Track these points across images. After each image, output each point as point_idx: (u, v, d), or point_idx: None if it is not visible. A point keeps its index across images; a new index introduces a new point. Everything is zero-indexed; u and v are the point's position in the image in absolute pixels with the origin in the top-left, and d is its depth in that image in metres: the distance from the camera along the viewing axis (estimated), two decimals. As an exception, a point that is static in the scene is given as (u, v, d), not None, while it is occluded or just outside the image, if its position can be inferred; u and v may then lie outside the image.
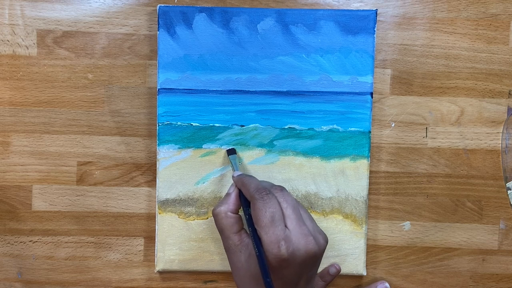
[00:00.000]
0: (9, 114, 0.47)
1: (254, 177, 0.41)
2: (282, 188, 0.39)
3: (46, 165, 0.47)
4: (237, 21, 0.45)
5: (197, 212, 0.46)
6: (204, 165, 0.46)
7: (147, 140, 0.47)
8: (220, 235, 0.40)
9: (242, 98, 0.46)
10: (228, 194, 0.41)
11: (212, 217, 0.45)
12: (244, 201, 0.40)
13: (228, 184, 0.46)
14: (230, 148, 0.45)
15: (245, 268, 0.38)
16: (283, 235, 0.36)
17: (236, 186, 0.41)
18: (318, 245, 0.37)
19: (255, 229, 0.37)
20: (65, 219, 0.48)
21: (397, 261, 0.48)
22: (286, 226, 0.37)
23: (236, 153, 0.45)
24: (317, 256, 0.37)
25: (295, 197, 0.46)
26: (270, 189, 0.38)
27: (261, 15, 0.45)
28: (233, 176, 0.42)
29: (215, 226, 0.40)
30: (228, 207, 0.40)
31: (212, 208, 0.46)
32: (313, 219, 0.39)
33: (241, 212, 0.41)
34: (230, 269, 0.46)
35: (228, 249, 0.40)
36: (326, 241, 0.39)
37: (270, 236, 0.36)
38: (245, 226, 0.40)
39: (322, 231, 0.39)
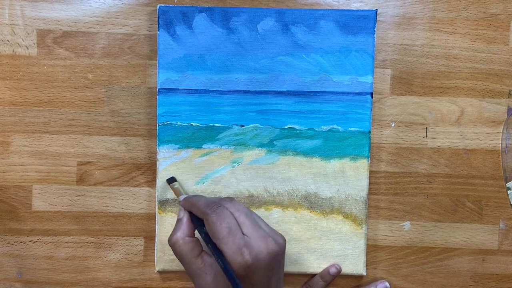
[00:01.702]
0: (9, 114, 0.47)
1: (200, 195, 0.42)
2: (231, 199, 0.40)
3: (46, 165, 0.47)
4: (237, 21, 0.45)
5: (197, 212, 0.46)
6: (204, 165, 0.46)
7: (147, 140, 0.47)
8: (181, 262, 0.40)
9: (242, 98, 0.46)
10: (179, 220, 0.41)
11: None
12: (197, 221, 0.40)
13: (227, 184, 0.46)
14: (169, 177, 0.45)
15: None
16: (243, 242, 0.36)
17: (185, 209, 0.41)
18: (278, 245, 0.38)
19: (214, 244, 0.37)
20: (65, 219, 0.48)
21: (397, 261, 0.48)
22: (243, 233, 0.37)
23: (176, 180, 0.45)
24: (279, 256, 0.38)
25: (295, 198, 0.46)
26: (220, 202, 0.39)
27: (261, 15, 0.45)
28: (179, 201, 0.43)
29: (175, 256, 0.40)
30: (183, 232, 0.40)
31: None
32: (266, 223, 0.40)
33: (197, 235, 0.41)
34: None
35: (193, 275, 0.39)
36: (285, 241, 0.39)
37: (231, 246, 0.36)
38: (204, 248, 0.40)
39: (279, 233, 0.40)
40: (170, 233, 0.46)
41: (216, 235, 0.37)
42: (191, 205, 0.41)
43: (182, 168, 0.46)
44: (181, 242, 0.39)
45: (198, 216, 0.40)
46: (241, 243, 0.36)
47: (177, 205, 0.46)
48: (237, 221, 0.37)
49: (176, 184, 0.45)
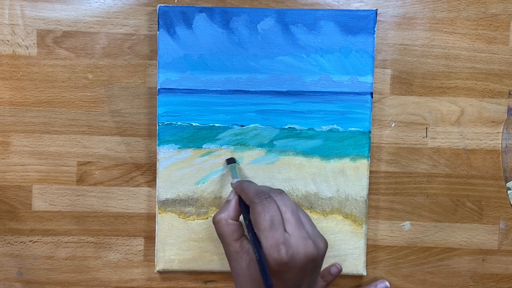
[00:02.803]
0: (9, 114, 0.47)
1: (253, 182, 0.42)
2: (281, 192, 0.39)
3: (46, 165, 0.47)
4: (237, 21, 0.45)
5: (197, 212, 0.46)
6: (204, 165, 0.46)
7: (147, 140, 0.47)
8: (221, 242, 0.40)
9: (242, 98, 0.46)
10: (228, 201, 0.41)
11: (212, 216, 0.46)
12: (244, 207, 0.40)
13: (228, 184, 0.46)
14: (230, 157, 0.45)
15: (246, 274, 0.38)
16: (283, 239, 0.36)
17: (235, 192, 0.41)
18: (318, 249, 0.37)
19: (255, 233, 0.37)
20: (65, 219, 0.48)
21: (397, 261, 0.48)
22: (285, 230, 0.37)
23: (235, 162, 0.45)
24: (317, 260, 0.37)
25: (295, 198, 0.46)
26: (269, 193, 0.38)
27: (261, 15, 0.45)
28: (231, 183, 0.43)
29: (216, 233, 0.40)
30: (228, 214, 0.40)
31: (212, 210, 0.46)
32: (312, 223, 0.39)
33: (241, 219, 0.41)
34: (229, 269, 0.46)
35: (229, 256, 0.40)
36: (326, 246, 0.39)
37: (270, 240, 0.36)
38: (246, 233, 0.40)
39: (322, 236, 0.39)
40: (170, 233, 0.46)
41: (258, 226, 0.37)
42: (241, 189, 0.40)
43: (182, 168, 0.46)
44: (224, 222, 0.39)
45: (246, 202, 0.40)
46: (280, 239, 0.36)
47: (177, 205, 0.46)
48: (281, 216, 0.37)
49: (233, 166, 0.44)
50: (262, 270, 0.36)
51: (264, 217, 0.36)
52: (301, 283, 0.38)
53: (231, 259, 0.39)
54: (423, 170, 0.47)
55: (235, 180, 0.43)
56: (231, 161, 0.45)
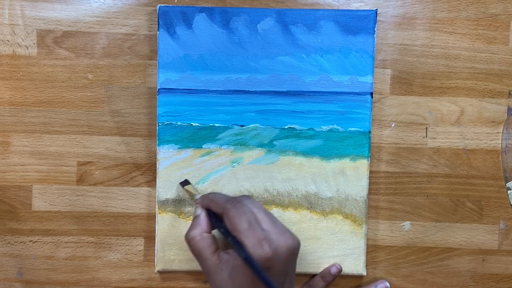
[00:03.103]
0: (9, 114, 0.47)
1: (218, 192, 0.43)
2: (248, 196, 0.41)
3: (46, 165, 0.47)
4: (237, 21, 0.45)
5: (197, 212, 0.46)
6: (204, 165, 0.46)
7: (147, 140, 0.47)
8: (197, 259, 0.40)
9: (242, 98, 0.46)
10: (196, 217, 0.41)
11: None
12: (214, 218, 0.41)
13: (227, 184, 0.46)
14: (183, 180, 0.45)
15: (229, 284, 0.39)
16: (263, 235, 0.37)
17: (202, 206, 0.42)
18: (296, 240, 0.39)
19: (234, 237, 0.38)
20: (65, 219, 0.48)
21: (397, 261, 0.48)
22: (262, 228, 0.38)
23: (190, 183, 0.45)
24: (296, 251, 0.39)
25: (295, 198, 0.46)
26: (239, 199, 0.40)
27: (261, 15, 0.45)
28: (195, 199, 0.43)
29: (192, 253, 0.40)
30: (201, 228, 0.40)
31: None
32: (282, 223, 0.40)
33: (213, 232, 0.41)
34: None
35: (209, 271, 0.40)
36: (299, 241, 0.40)
37: (252, 238, 0.37)
38: (220, 244, 0.41)
39: (293, 233, 0.40)
40: (170, 233, 0.46)
41: (236, 228, 0.37)
42: (210, 201, 0.41)
43: (182, 168, 0.46)
44: (199, 238, 0.40)
45: (217, 212, 0.40)
46: (261, 236, 0.37)
47: (177, 205, 0.46)
48: (255, 217, 0.38)
49: (190, 187, 0.45)
50: (252, 267, 0.36)
51: (241, 218, 0.38)
52: (285, 278, 0.38)
53: (210, 273, 0.39)
54: (423, 170, 0.47)
55: (198, 196, 0.43)
56: (185, 183, 0.45)
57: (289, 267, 0.39)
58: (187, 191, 0.45)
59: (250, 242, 0.37)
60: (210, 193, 0.43)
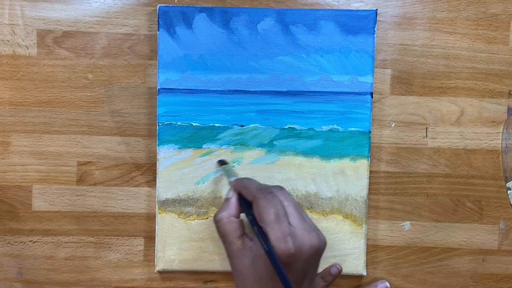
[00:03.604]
0: (9, 114, 0.47)
1: (252, 179, 0.42)
2: (281, 188, 0.40)
3: (46, 165, 0.47)
4: (237, 21, 0.45)
5: (197, 212, 0.46)
6: (204, 165, 0.46)
7: (147, 140, 0.47)
8: (222, 241, 0.40)
9: (242, 98, 0.46)
10: (227, 199, 0.41)
11: (212, 216, 0.46)
12: (245, 204, 0.40)
13: (227, 185, 0.46)
14: (220, 159, 0.45)
15: (250, 272, 0.38)
16: (289, 231, 0.36)
17: (234, 190, 0.41)
18: (321, 241, 0.38)
19: (261, 227, 0.37)
20: (65, 219, 0.48)
21: (397, 261, 0.48)
22: (289, 223, 0.37)
23: (227, 163, 0.45)
24: (320, 251, 0.38)
25: (295, 198, 0.46)
26: (271, 189, 0.39)
27: (261, 15, 0.45)
28: (230, 182, 0.42)
29: (216, 232, 0.40)
30: (230, 212, 0.40)
31: (212, 210, 0.46)
32: (311, 220, 0.40)
33: (242, 217, 0.41)
34: (229, 269, 0.46)
35: (231, 255, 0.40)
36: (326, 240, 0.39)
37: (277, 232, 0.36)
38: (246, 230, 0.40)
39: (322, 233, 0.39)
40: (170, 233, 0.46)
41: (263, 219, 0.37)
42: (242, 186, 0.41)
43: (182, 168, 0.46)
44: (226, 221, 0.40)
45: (247, 199, 0.40)
46: (286, 231, 0.36)
47: (177, 205, 0.46)
48: (285, 210, 0.38)
49: (227, 167, 0.45)
50: (272, 261, 0.36)
51: (269, 210, 0.37)
52: (305, 277, 0.38)
53: (233, 257, 0.39)
54: (423, 170, 0.47)
55: (233, 179, 0.43)
56: (223, 162, 0.45)
57: (310, 267, 0.38)
58: (224, 170, 0.45)
59: (275, 235, 0.36)
60: (245, 178, 0.42)
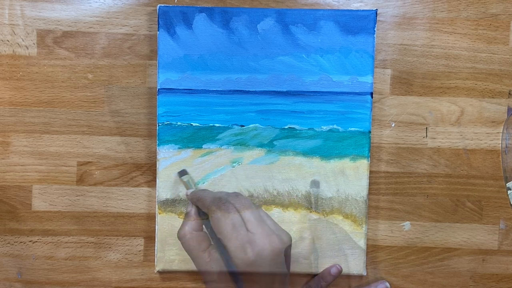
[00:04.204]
0: (9, 114, 0.47)
1: (207, 190, 0.42)
2: (237, 194, 0.40)
3: (46, 165, 0.47)
4: (237, 21, 0.45)
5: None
6: (204, 165, 0.46)
7: (147, 140, 0.47)
8: (190, 256, 0.41)
9: (242, 98, 0.46)
10: (187, 213, 0.42)
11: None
12: (204, 215, 0.41)
13: (227, 185, 0.46)
14: (181, 170, 0.45)
15: (218, 282, 0.39)
16: (247, 239, 0.37)
17: (192, 203, 0.42)
18: (282, 242, 0.38)
19: (219, 239, 0.38)
20: (65, 219, 0.48)
21: (397, 261, 0.48)
22: (247, 229, 0.37)
23: (187, 173, 0.45)
24: (282, 253, 0.38)
25: (294, 198, 0.46)
26: (226, 198, 0.39)
27: (261, 15, 0.45)
28: (187, 194, 0.43)
29: (184, 249, 0.41)
30: (191, 226, 0.41)
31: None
32: (272, 219, 0.40)
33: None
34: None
35: (200, 268, 0.40)
36: (290, 239, 0.39)
37: (234, 242, 0.37)
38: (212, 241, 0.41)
39: (284, 230, 0.40)
40: (170, 233, 0.46)
41: (220, 231, 0.37)
42: (197, 199, 0.41)
43: (182, 168, 0.46)
44: (189, 236, 0.40)
45: (204, 211, 0.40)
46: (244, 240, 0.36)
47: (177, 205, 0.46)
48: (242, 217, 0.38)
49: (186, 177, 0.45)
50: (230, 273, 0.36)
51: (225, 221, 0.37)
52: (274, 278, 0.38)
53: (201, 270, 0.40)
54: (423, 170, 0.47)
55: (189, 191, 0.43)
56: (182, 173, 0.45)
57: (276, 268, 0.38)
58: (182, 182, 0.45)
59: (233, 245, 0.36)
60: (199, 190, 0.43)
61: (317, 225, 0.46)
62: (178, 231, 0.41)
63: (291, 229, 0.46)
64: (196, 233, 0.40)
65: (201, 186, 0.46)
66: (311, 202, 0.45)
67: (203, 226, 0.41)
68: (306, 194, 0.46)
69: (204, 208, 0.40)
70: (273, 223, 0.39)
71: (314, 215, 0.46)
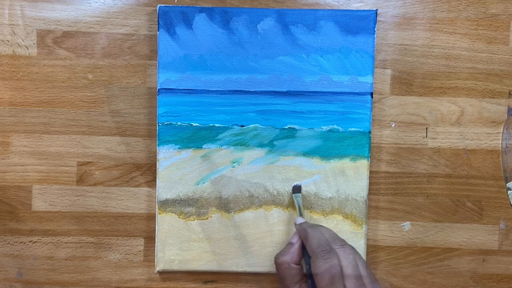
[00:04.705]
0: (9, 114, 0.47)
1: (316, 227, 0.42)
2: (343, 244, 0.40)
3: (46, 165, 0.47)
4: (237, 21, 0.45)
5: (197, 212, 0.46)
6: (204, 165, 0.46)
7: (147, 140, 0.47)
8: (280, 282, 0.41)
9: (242, 98, 0.46)
10: (291, 244, 0.42)
11: (212, 217, 0.46)
12: (306, 252, 0.41)
13: (227, 184, 0.46)
14: (297, 184, 0.46)
15: None
16: None
17: (299, 236, 0.42)
18: None
19: (314, 283, 0.38)
20: (65, 220, 0.48)
21: (397, 261, 0.48)
22: (344, 285, 0.37)
23: (300, 191, 0.45)
24: None
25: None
26: (331, 246, 0.39)
27: (261, 15, 0.45)
28: (295, 224, 0.43)
29: (277, 273, 0.42)
30: (291, 258, 0.41)
31: (212, 210, 0.46)
32: (370, 271, 0.40)
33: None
34: (229, 270, 0.46)
35: None
36: None
37: None
38: (305, 271, 0.42)
39: (378, 284, 0.40)
40: (170, 233, 0.46)
41: (318, 280, 0.38)
42: (304, 236, 0.41)
43: (182, 168, 0.46)
44: (286, 266, 0.41)
45: (308, 252, 0.40)
46: None
47: (177, 205, 0.46)
48: (342, 273, 0.38)
49: (299, 197, 0.45)
50: None
51: (324, 274, 0.37)
52: None
53: None
54: (423, 170, 0.47)
55: (298, 221, 0.43)
56: (297, 189, 0.45)
57: None
58: (294, 201, 0.45)
59: None
60: (308, 227, 0.42)
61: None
62: (279, 256, 0.41)
63: (291, 229, 0.46)
64: (293, 266, 0.41)
65: (201, 186, 0.46)
66: (296, 209, 0.45)
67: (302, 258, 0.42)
68: (306, 194, 0.46)
69: (308, 249, 0.40)
70: (370, 276, 0.39)
71: (314, 215, 0.46)
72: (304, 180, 0.46)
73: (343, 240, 0.40)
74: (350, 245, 0.40)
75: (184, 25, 0.45)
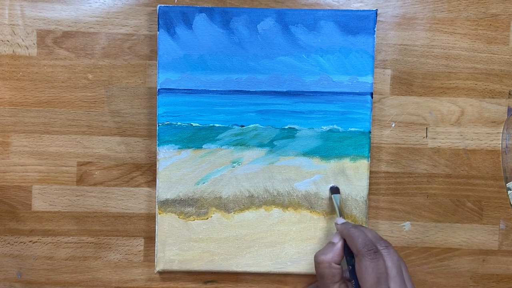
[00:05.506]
0: (9, 114, 0.47)
1: (359, 227, 0.42)
2: (387, 245, 0.40)
3: (46, 165, 0.47)
4: (237, 21, 0.45)
5: (197, 212, 0.46)
6: (204, 165, 0.46)
7: (147, 140, 0.47)
8: (319, 280, 0.41)
9: (242, 98, 0.46)
10: (332, 243, 0.42)
11: (212, 217, 0.46)
12: (348, 252, 0.41)
13: (227, 184, 0.46)
14: (335, 186, 0.46)
15: None
16: None
17: (340, 236, 0.42)
18: None
19: (358, 284, 0.38)
20: (65, 220, 0.48)
21: (397, 261, 0.48)
22: (389, 287, 0.37)
23: (339, 192, 0.45)
24: None
25: (295, 198, 0.46)
26: (376, 246, 0.39)
27: (261, 15, 0.45)
28: (336, 224, 0.43)
29: (315, 271, 0.41)
30: (332, 257, 0.41)
31: (212, 210, 0.46)
32: (410, 278, 0.40)
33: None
34: (229, 270, 0.46)
35: None
36: None
37: None
38: (345, 274, 0.41)
39: (415, 286, 0.40)
40: (170, 233, 0.46)
41: (363, 280, 0.38)
42: (348, 236, 0.41)
43: (182, 168, 0.46)
44: (327, 265, 0.40)
45: (352, 250, 0.40)
46: None
47: (177, 205, 0.46)
48: (387, 272, 0.38)
49: (338, 198, 0.45)
50: None
51: (371, 274, 0.37)
52: None
53: None
54: (423, 170, 0.47)
55: (340, 220, 0.43)
56: (334, 190, 0.45)
57: None
58: (334, 202, 0.45)
59: None
60: (351, 226, 0.41)
61: (317, 225, 0.46)
62: (317, 255, 0.41)
63: (291, 229, 0.46)
64: (334, 265, 0.40)
65: (201, 186, 0.46)
66: (336, 209, 0.44)
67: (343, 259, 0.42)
68: (306, 194, 0.46)
69: (353, 248, 0.40)
70: (412, 284, 0.39)
71: (315, 215, 0.46)
72: (304, 180, 0.46)
73: (386, 241, 0.40)
74: (392, 247, 0.40)
75: (184, 25, 0.45)
